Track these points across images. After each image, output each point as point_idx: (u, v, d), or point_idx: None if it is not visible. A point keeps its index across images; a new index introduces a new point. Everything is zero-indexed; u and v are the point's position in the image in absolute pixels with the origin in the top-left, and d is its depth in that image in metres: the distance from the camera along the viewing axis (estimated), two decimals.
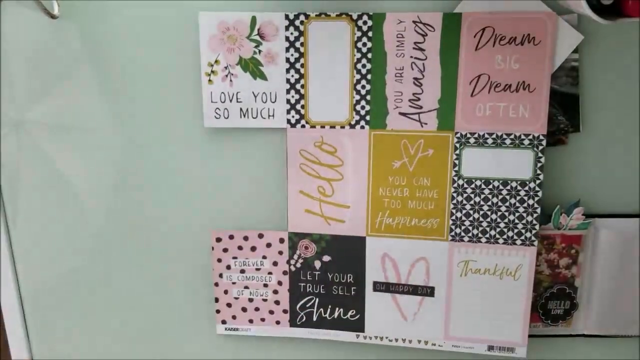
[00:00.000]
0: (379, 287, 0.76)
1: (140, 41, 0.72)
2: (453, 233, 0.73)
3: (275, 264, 0.78)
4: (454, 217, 0.72)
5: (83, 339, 0.84)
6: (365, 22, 0.68)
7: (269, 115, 0.72)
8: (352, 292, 0.77)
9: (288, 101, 0.71)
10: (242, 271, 0.78)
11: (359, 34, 0.68)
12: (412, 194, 0.72)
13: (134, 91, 0.74)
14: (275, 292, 0.79)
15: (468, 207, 0.71)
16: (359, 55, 0.69)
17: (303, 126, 0.72)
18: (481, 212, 0.71)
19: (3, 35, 0.71)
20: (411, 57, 0.68)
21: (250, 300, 0.79)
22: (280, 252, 0.77)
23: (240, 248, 0.77)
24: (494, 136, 0.69)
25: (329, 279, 0.77)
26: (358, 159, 0.72)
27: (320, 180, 0.73)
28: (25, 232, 0.79)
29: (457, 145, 0.70)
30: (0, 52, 0.72)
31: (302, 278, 0.77)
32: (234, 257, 0.78)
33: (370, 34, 0.68)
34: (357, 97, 0.70)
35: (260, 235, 0.77)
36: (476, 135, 0.69)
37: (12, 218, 0.78)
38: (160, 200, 0.77)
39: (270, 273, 0.78)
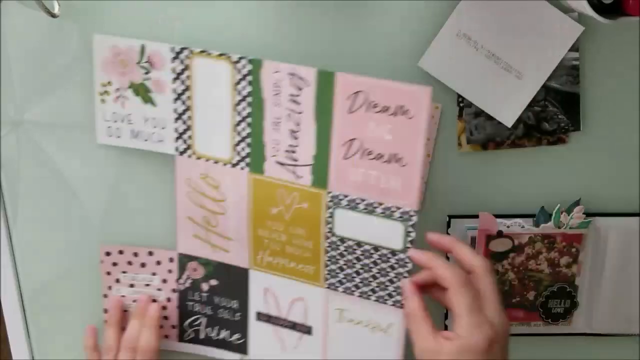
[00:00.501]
0: (261, 317, 0.76)
1: (140, 40, 0.72)
2: (328, 282, 0.71)
3: (164, 281, 0.78)
4: (328, 269, 0.71)
5: (83, 338, 0.84)
6: (244, 66, 0.66)
7: (158, 140, 0.72)
8: (237, 318, 0.77)
9: (176, 130, 0.71)
10: (132, 285, 0.79)
11: (239, 76, 0.67)
12: (289, 240, 0.71)
13: None
14: (164, 308, 0.79)
15: (342, 262, 0.69)
16: (239, 97, 0.67)
17: (190, 156, 0.72)
18: (354, 269, 0.69)
19: (3, 35, 0.71)
20: (287, 108, 0.66)
21: None
22: (170, 271, 0.77)
23: (130, 263, 0.78)
24: (365, 202, 0.66)
25: (215, 302, 0.77)
26: (238, 198, 0.71)
27: (205, 211, 0.73)
28: (25, 232, 0.79)
29: (330, 204, 0.67)
30: (0, 52, 0.72)
31: (190, 297, 0.78)
32: (124, 272, 0.78)
33: (249, 78, 0.66)
34: (238, 138, 0.69)
35: (150, 253, 0.77)
36: (349, 199, 0.66)
37: (12, 218, 0.78)
38: (157, 198, 0.77)
39: (159, 289, 0.78)
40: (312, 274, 0.72)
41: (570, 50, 0.69)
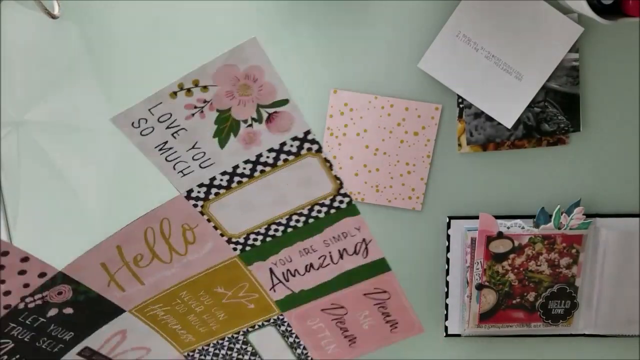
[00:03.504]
0: (85, 352, 0.70)
1: (140, 41, 0.72)
2: (190, 356, 0.74)
3: (7, 293, 0.62)
4: (202, 350, 0.73)
5: None
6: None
7: (182, 173, 0.61)
8: (56, 349, 0.68)
9: (210, 179, 0.61)
10: None
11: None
12: (202, 312, 0.70)
13: (134, 91, 0.74)
14: None
15: (222, 353, 0.74)
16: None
17: (195, 205, 0.62)
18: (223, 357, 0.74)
19: (3, 35, 0.71)
20: (326, 252, 0.66)
21: None
22: (26, 285, 0.63)
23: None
24: (294, 336, 0.72)
25: (46, 330, 0.66)
26: (202, 264, 0.67)
27: (147, 250, 0.65)
28: (25, 232, 0.79)
29: (271, 323, 0.71)
30: (0, 52, 0.72)
31: (18, 319, 0.64)
32: None
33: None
34: (261, 232, 0.64)
35: (25, 259, 0.63)
36: (286, 329, 0.72)
37: (12, 218, 0.78)
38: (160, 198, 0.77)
39: None
40: (185, 343, 0.71)
41: (570, 51, 0.69)
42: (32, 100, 0.73)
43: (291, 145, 0.57)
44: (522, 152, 0.73)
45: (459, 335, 0.79)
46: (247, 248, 0.64)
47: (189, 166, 0.58)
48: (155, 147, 0.55)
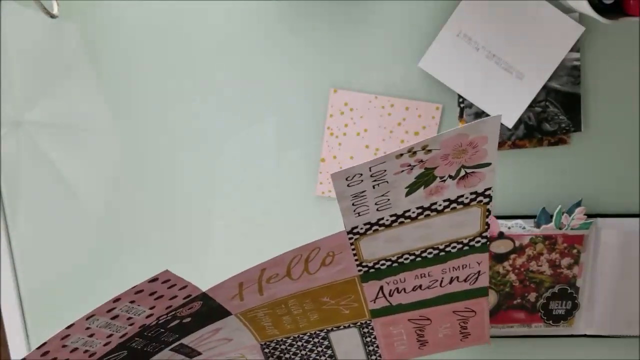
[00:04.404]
0: (182, 348, 0.71)
1: (140, 41, 0.72)
2: (269, 348, 0.74)
3: (149, 316, 0.63)
4: (280, 342, 0.73)
5: None
6: None
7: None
8: (150, 349, 0.68)
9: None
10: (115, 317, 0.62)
11: None
12: (297, 314, 0.70)
13: (134, 91, 0.74)
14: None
15: (298, 344, 0.74)
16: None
17: (356, 238, 0.64)
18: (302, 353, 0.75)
19: (3, 35, 0.71)
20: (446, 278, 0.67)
21: None
22: (168, 307, 0.64)
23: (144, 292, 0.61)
24: (375, 345, 0.73)
25: (159, 339, 0.67)
26: (322, 281, 0.68)
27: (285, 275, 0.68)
28: (25, 232, 0.79)
29: (359, 328, 0.72)
30: (0, 52, 0.72)
31: (144, 333, 0.65)
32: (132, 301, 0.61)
33: None
34: (390, 260, 0.65)
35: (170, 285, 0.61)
36: (370, 335, 0.72)
37: (12, 218, 0.78)
38: (160, 198, 0.77)
39: (132, 324, 0.63)
40: (268, 335, 0.72)
41: (571, 50, 0.68)
42: (32, 100, 0.73)
43: (466, 198, 0.58)
44: (523, 152, 0.73)
45: None
46: (371, 270, 0.64)
47: (368, 209, 0.58)
48: (351, 194, 0.56)
